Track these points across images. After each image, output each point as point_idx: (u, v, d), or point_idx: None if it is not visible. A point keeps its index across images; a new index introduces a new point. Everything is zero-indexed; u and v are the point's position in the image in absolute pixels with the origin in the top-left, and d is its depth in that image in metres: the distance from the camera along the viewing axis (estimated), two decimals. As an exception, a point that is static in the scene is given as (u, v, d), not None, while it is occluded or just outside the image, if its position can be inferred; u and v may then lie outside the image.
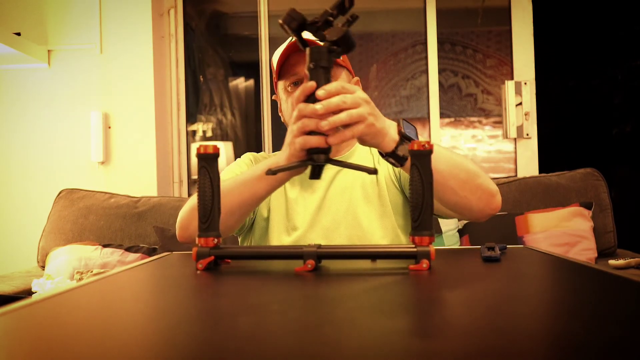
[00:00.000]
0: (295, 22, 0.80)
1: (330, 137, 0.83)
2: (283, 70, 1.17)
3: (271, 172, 0.85)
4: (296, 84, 1.17)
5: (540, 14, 2.80)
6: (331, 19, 0.81)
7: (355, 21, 0.81)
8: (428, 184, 0.74)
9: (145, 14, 2.72)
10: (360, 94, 0.86)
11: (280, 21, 0.81)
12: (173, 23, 2.88)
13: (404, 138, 0.90)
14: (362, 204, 1.18)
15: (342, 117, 0.83)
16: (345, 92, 0.84)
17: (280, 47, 1.24)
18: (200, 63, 3.09)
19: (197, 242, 0.78)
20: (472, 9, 2.85)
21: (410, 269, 0.72)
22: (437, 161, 0.94)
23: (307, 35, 0.83)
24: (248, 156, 1.29)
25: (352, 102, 0.83)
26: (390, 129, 0.90)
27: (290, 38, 1.21)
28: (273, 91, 1.29)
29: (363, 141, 0.90)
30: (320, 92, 0.82)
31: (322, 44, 0.81)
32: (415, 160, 0.74)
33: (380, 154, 0.93)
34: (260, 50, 2.92)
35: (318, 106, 0.81)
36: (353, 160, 1.24)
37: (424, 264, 0.72)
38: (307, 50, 0.82)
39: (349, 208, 1.18)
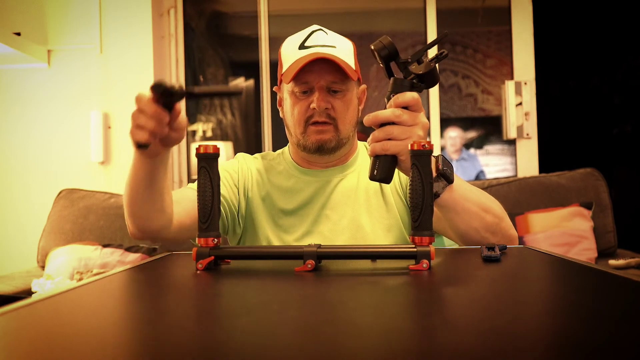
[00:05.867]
0: (386, 51, 0.82)
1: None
2: (298, 75, 1.12)
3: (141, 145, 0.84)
4: (306, 92, 1.15)
5: (540, 14, 2.80)
6: (424, 59, 0.83)
7: (444, 58, 0.83)
8: (428, 184, 0.74)
9: (145, 14, 2.72)
10: (421, 117, 0.86)
11: (372, 47, 0.83)
12: (173, 23, 2.88)
13: (440, 175, 0.89)
14: (365, 215, 1.14)
15: (383, 129, 0.85)
16: (411, 109, 0.85)
17: (292, 38, 1.17)
18: (200, 63, 3.09)
19: (197, 242, 0.78)
20: (472, 9, 2.85)
21: (410, 269, 0.72)
22: (468, 201, 0.95)
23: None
24: (237, 157, 1.26)
25: (405, 119, 0.84)
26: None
27: (308, 32, 1.17)
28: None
29: (400, 164, 0.88)
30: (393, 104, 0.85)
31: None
32: (415, 160, 0.74)
33: None
34: (260, 50, 2.92)
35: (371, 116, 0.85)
36: (355, 166, 1.19)
37: (424, 264, 0.72)
38: (391, 80, 0.85)
39: (351, 219, 1.13)
